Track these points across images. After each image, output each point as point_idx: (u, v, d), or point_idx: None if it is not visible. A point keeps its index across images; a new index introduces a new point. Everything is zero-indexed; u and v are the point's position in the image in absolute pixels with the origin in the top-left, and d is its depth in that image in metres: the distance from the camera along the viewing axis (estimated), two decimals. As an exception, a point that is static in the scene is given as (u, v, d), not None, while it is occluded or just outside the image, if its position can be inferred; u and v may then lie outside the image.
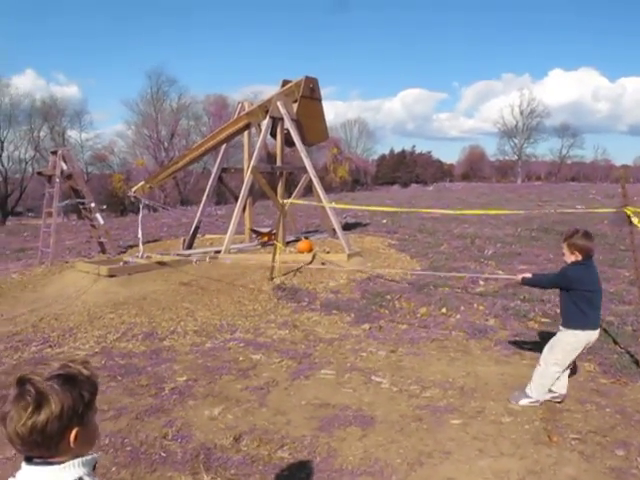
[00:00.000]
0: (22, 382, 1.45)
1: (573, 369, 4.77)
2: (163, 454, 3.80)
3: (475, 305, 7.34)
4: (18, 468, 1.51)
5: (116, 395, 4.83)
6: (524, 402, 4.47)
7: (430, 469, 3.57)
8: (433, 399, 4.64)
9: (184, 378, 5.16)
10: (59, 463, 1.47)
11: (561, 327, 4.44)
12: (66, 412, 1.44)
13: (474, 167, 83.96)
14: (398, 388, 4.88)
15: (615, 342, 5.87)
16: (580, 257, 4.31)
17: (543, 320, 6.75)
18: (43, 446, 1.45)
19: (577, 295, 4.29)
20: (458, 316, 7.03)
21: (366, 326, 6.75)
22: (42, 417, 1.41)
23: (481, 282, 8.36)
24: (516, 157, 76.57)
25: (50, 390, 1.43)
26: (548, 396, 4.53)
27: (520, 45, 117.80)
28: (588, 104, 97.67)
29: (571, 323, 4.33)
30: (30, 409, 1.41)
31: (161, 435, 4.06)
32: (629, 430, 4.03)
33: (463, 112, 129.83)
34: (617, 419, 4.21)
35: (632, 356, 5.43)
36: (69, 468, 1.47)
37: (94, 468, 1.56)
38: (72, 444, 1.47)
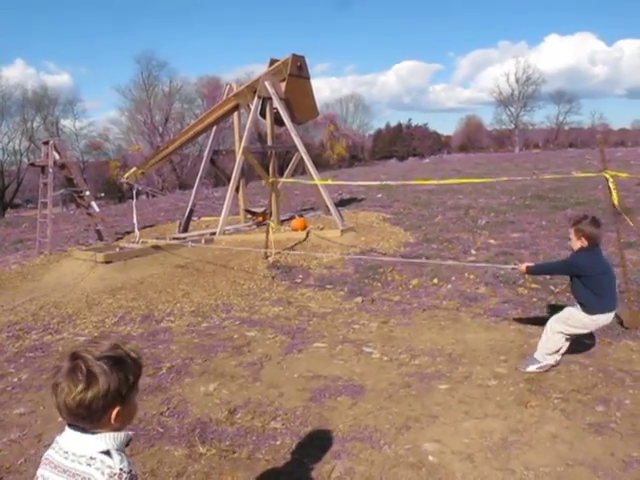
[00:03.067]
0: (75, 358, 1.57)
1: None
2: (160, 430, 3.93)
3: (466, 274, 7.45)
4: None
5: (115, 377, 4.96)
6: (532, 368, 4.52)
7: (417, 432, 3.70)
8: (422, 366, 4.78)
9: (181, 357, 5.30)
10: (94, 433, 1.61)
11: (580, 308, 4.43)
12: (111, 392, 1.57)
13: (471, 138, 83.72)
14: (388, 358, 5.02)
15: (602, 304, 5.98)
16: (586, 243, 4.31)
17: (533, 286, 6.86)
18: (86, 419, 1.58)
19: (591, 281, 4.30)
20: (449, 286, 7.15)
21: (359, 299, 6.88)
22: (89, 395, 1.54)
23: (472, 251, 8.46)
24: (513, 126, 76.17)
25: (100, 370, 1.55)
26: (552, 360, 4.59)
27: (516, 11, 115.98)
28: (585, 69, 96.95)
29: (592, 310, 4.33)
30: (80, 386, 1.53)
31: (158, 412, 4.19)
32: (610, 387, 4.16)
33: (459, 82, 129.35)
34: (599, 377, 4.34)
35: (617, 316, 5.52)
36: (100, 439, 1.60)
37: (128, 445, 1.68)
38: (112, 421, 1.61)
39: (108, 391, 1.56)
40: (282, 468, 3.39)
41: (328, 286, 7.50)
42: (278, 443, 3.67)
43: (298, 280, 7.87)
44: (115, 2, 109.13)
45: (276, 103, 10.74)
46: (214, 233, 10.42)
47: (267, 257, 8.74)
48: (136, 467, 1.66)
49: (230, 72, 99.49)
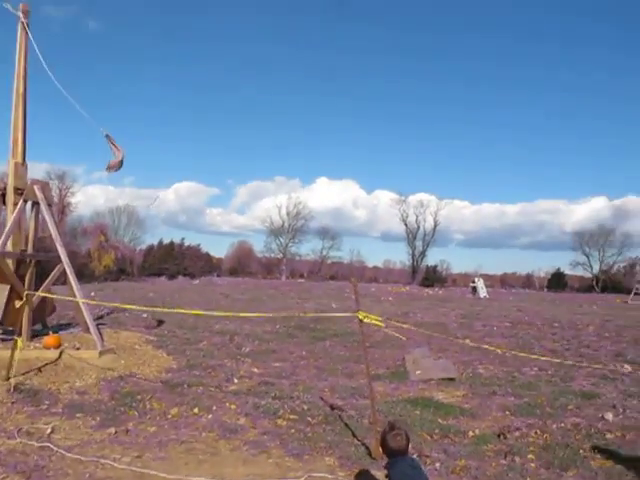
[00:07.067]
0: None
1: None
2: None
3: (227, 404, 7.38)
4: None
5: None
6: None
7: None
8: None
9: None
10: None
11: None
12: None
13: (242, 262, 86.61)
14: (138, 498, 4.63)
15: (354, 435, 6.35)
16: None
17: (292, 417, 7.01)
18: None
19: None
20: (210, 416, 6.98)
21: (112, 430, 6.33)
22: None
23: (235, 380, 8.49)
24: (281, 255, 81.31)
25: None
26: None
27: (292, 151, 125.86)
28: (348, 211, 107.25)
29: None
30: None
31: None
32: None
33: (236, 208, 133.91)
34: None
35: (367, 447, 5.89)
36: None
37: None
38: None
39: None
40: None
41: (78, 414, 6.79)
42: None
43: (44, 406, 7.02)
44: None
45: (44, 209, 10.08)
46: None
47: (8, 379, 7.73)
48: None
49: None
